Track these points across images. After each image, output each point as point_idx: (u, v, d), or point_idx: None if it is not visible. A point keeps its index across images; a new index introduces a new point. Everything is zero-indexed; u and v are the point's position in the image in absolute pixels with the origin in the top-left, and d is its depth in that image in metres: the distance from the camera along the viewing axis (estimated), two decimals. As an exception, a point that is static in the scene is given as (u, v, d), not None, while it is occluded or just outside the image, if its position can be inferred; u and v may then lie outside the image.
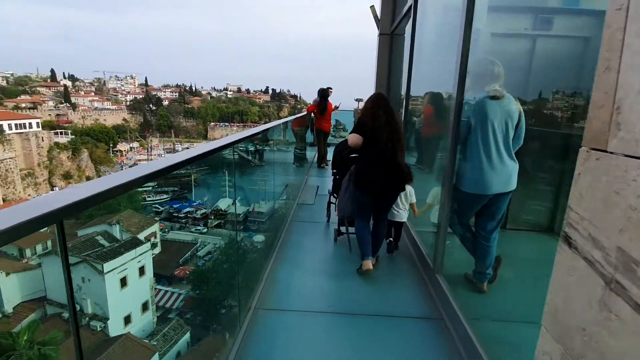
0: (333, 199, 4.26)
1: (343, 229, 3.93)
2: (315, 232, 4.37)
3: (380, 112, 2.94)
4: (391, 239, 3.77)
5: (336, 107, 8.08)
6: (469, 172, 2.52)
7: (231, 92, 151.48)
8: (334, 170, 4.03)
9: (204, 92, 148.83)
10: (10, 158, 47.75)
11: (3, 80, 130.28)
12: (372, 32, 6.75)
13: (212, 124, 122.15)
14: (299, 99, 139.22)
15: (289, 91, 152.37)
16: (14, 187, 47.49)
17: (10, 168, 47.44)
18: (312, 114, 8.08)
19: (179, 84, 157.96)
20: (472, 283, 2.70)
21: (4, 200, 45.15)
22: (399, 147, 2.93)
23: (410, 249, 3.88)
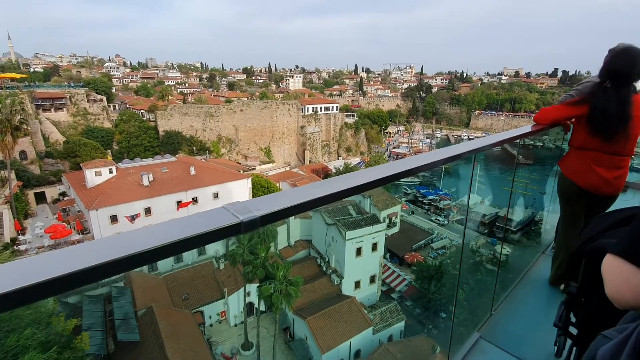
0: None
1: None
2: None
3: None
4: None
5: None
6: None
7: (506, 77, 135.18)
8: (574, 284, 1.74)
9: (475, 78, 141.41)
10: (317, 132, 66.37)
11: (326, 74, 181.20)
12: None
13: (477, 112, 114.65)
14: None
15: (588, 73, 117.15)
16: (316, 153, 65.66)
17: (316, 139, 65.77)
18: (565, 130, 3.13)
19: (451, 70, 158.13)
20: None
21: (309, 161, 63.34)
22: None
23: None
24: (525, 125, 2.88)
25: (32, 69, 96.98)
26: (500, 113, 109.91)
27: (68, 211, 30.54)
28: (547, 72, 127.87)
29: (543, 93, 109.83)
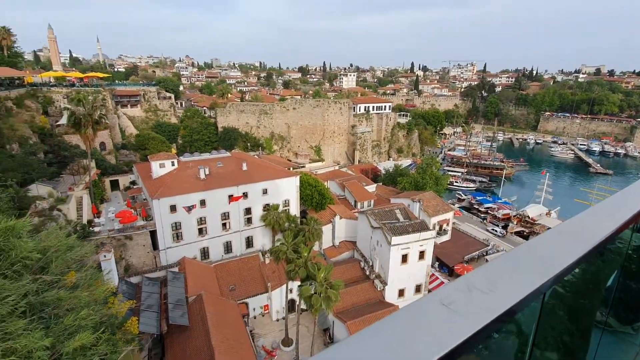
0: None
1: None
2: None
3: None
4: None
5: None
6: None
7: (584, 75, 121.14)
8: None
9: (546, 77, 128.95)
10: (368, 131, 65.51)
11: (381, 73, 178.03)
12: None
13: (547, 114, 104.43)
14: None
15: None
16: (366, 153, 64.83)
17: (367, 139, 64.93)
18: None
19: (518, 68, 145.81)
20: None
21: (359, 161, 62.69)
22: None
23: None
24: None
25: (115, 69, 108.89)
26: (576, 115, 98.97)
27: (136, 199, 33.84)
28: (634, 70, 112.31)
29: (629, 94, 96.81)
